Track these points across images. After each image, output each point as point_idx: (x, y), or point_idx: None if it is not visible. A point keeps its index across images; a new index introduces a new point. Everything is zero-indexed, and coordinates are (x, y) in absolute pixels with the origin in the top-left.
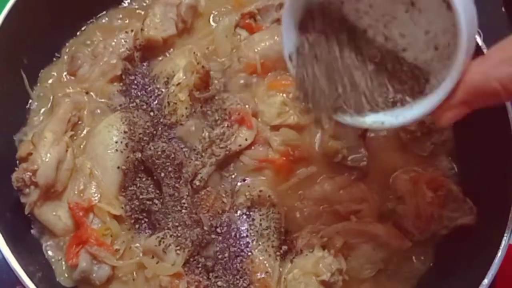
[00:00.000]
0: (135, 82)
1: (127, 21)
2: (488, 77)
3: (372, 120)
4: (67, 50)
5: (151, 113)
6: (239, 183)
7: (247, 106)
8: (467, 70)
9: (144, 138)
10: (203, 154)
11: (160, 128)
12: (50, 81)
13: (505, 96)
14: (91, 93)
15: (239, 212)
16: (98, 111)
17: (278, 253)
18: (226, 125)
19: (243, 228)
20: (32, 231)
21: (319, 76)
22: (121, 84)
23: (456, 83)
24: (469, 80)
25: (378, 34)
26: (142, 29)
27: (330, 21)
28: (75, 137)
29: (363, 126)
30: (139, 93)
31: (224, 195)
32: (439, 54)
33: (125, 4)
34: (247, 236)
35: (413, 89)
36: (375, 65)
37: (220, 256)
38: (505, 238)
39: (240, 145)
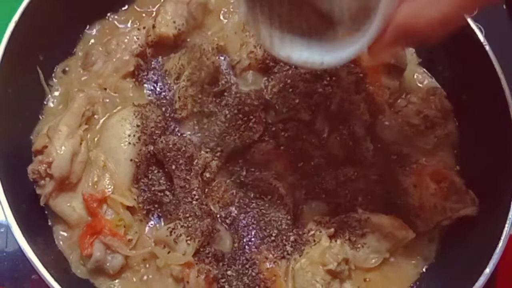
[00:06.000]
0: (147, 77)
1: (139, 19)
2: (416, 17)
3: (312, 58)
4: (81, 47)
5: (163, 108)
6: (248, 176)
7: (256, 100)
8: (397, 11)
9: (156, 132)
10: (213, 147)
11: (171, 122)
12: (65, 77)
13: (432, 35)
14: (104, 88)
15: (248, 203)
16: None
17: (286, 243)
18: (235, 119)
19: (252, 219)
20: (47, 222)
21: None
22: (134, 79)
23: (385, 24)
24: (399, 21)
25: None
26: (153, 26)
27: None
28: (89, 131)
29: (299, 63)
30: (151, 88)
31: (233, 187)
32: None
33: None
34: (255, 226)
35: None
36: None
37: (229, 246)
38: (506, 228)
39: (249, 139)
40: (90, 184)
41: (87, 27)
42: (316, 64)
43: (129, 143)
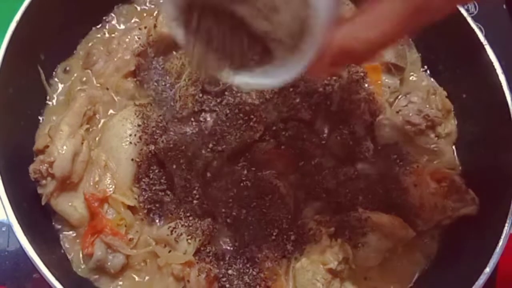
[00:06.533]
0: (149, 77)
1: (140, 18)
2: (354, 39)
3: (253, 81)
4: (82, 46)
5: (164, 107)
6: (248, 175)
7: (256, 100)
8: (336, 32)
9: (157, 131)
10: (214, 146)
11: (172, 122)
12: (66, 76)
13: (370, 55)
14: (106, 88)
15: (249, 202)
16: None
17: (286, 242)
18: (236, 118)
19: (252, 218)
20: (48, 221)
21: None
22: (135, 79)
23: (323, 45)
24: (337, 42)
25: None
26: (155, 26)
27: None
28: (90, 130)
29: (243, 85)
30: (152, 88)
31: (234, 186)
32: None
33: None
34: (256, 225)
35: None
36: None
37: (230, 245)
38: (506, 228)
39: (250, 138)
40: (91, 183)
41: (88, 26)
42: (257, 87)
43: (130, 142)
